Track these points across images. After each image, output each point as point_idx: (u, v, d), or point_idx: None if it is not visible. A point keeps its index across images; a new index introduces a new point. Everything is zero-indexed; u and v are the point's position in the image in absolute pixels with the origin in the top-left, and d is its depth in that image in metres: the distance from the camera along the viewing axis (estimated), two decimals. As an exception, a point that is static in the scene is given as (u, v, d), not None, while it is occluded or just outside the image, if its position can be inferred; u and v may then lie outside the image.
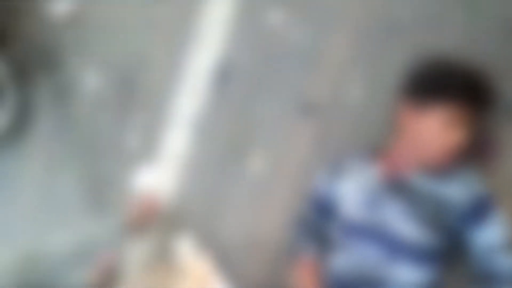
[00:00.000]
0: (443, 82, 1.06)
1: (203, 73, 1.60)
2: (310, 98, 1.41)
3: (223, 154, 1.55)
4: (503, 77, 1.12)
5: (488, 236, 1.06)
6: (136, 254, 1.56)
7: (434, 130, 1.06)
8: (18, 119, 2.02)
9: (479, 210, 1.07)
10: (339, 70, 1.37)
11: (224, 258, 1.48)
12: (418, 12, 1.23)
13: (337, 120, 1.37)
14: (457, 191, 1.09)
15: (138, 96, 1.65)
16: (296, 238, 1.29)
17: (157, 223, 1.52)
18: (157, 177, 1.66)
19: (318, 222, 1.24)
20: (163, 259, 1.56)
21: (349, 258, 1.14)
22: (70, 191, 1.84)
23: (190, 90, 1.62)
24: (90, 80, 1.76)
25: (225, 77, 1.57)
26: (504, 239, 1.05)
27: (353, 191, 1.17)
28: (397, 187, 1.12)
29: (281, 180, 1.44)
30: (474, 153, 1.15)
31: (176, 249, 1.56)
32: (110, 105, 1.73)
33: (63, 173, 1.86)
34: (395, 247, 1.09)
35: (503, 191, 1.12)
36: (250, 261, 1.46)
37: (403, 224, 1.09)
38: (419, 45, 1.16)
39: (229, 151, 1.54)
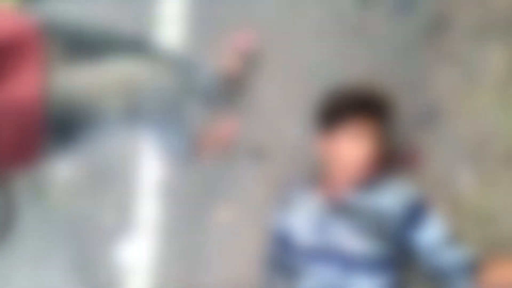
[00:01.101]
0: (342, 105, 1.21)
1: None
2: (258, 144, 1.54)
3: (194, 213, 1.66)
4: (410, 92, 1.27)
5: (428, 235, 1.16)
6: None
7: (345, 147, 1.20)
8: (4, 221, 2.12)
9: (415, 213, 1.17)
10: (275, 116, 1.51)
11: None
12: (325, 56, 1.39)
13: (282, 159, 1.50)
14: (391, 200, 1.19)
15: (108, 177, 1.78)
16: (266, 274, 1.37)
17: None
18: (136, 249, 1.75)
19: (281, 256, 1.33)
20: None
21: (312, 281, 1.22)
22: (59, 277, 1.91)
23: (152, 159, 1.76)
24: (63, 171, 1.89)
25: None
26: (444, 235, 1.14)
27: (302, 220, 1.27)
28: (338, 208, 1.23)
29: (247, 225, 1.55)
30: (399, 163, 1.27)
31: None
32: (84, 191, 1.85)
33: (52, 263, 1.94)
34: (348, 263, 1.18)
35: (433, 192, 1.23)
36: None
37: (351, 240, 1.19)
38: (328, 82, 1.31)
39: (199, 210, 1.65)
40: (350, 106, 1.21)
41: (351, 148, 1.19)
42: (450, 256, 1.13)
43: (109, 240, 1.78)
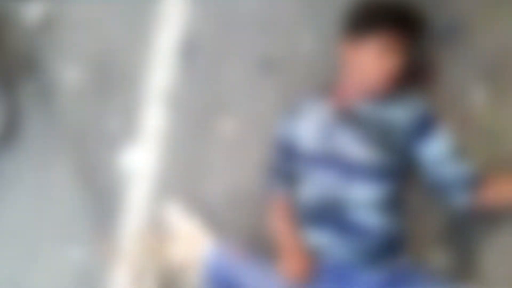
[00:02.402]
0: (375, 15, 1.18)
1: (170, 49, 1.72)
2: (268, 56, 1.52)
3: (197, 123, 1.66)
4: (433, 6, 1.23)
5: (435, 148, 1.17)
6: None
7: (371, 58, 1.18)
8: (8, 124, 2.13)
9: (423, 127, 1.19)
10: (289, 28, 1.48)
11: (211, 218, 1.59)
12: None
13: (293, 71, 1.48)
14: (401, 113, 1.20)
15: (114, 82, 1.77)
16: (268, 184, 1.39)
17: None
18: (140, 156, 1.77)
19: (285, 164, 1.35)
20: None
21: (312, 187, 1.25)
22: (64, 184, 1.94)
23: (160, 67, 1.74)
24: (69, 75, 1.88)
25: (190, 50, 1.69)
26: (450, 149, 1.16)
27: (309, 127, 1.29)
28: (347, 116, 1.24)
29: (252, 137, 1.55)
30: (414, 78, 1.26)
31: (165, 215, 1.67)
32: (90, 96, 1.85)
33: (56, 168, 1.97)
34: (350, 170, 1.20)
35: (444, 107, 1.22)
36: (234, 215, 1.56)
37: (356, 149, 1.20)
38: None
39: (202, 119, 1.65)
40: (382, 15, 1.18)
41: (377, 60, 1.18)
42: (453, 170, 1.15)
43: (114, 146, 1.79)
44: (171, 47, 1.73)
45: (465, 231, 1.22)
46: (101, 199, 1.82)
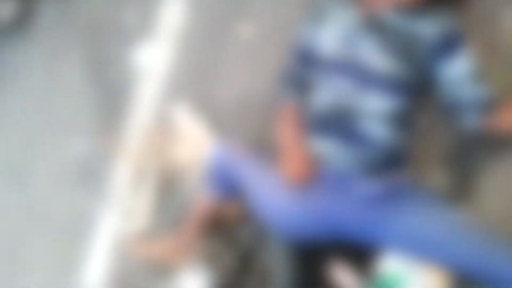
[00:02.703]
0: None
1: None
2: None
3: (216, 24, 1.63)
4: None
5: (455, 68, 1.14)
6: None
7: None
8: (22, 9, 2.10)
9: (447, 45, 1.15)
10: None
11: (219, 121, 1.60)
12: None
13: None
14: (428, 28, 1.16)
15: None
16: (281, 90, 1.37)
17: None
18: (154, 51, 1.75)
19: (301, 70, 1.32)
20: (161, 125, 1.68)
21: (325, 94, 1.22)
22: (74, 77, 1.94)
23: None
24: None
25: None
26: (470, 71, 1.13)
27: (332, 32, 1.24)
28: (373, 24, 1.19)
29: (270, 42, 1.52)
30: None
31: (173, 114, 1.68)
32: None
33: (67, 59, 1.96)
34: (367, 78, 1.17)
35: (474, 28, 1.18)
36: (243, 121, 1.57)
37: (376, 57, 1.17)
38: None
39: (221, 20, 1.61)
40: None
41: None
42: (470, 92, 1.13)
43: (127, 41, 1.77)
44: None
45: (467, 156, 1.22)
46: (110, 93, 1.82)
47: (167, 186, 1.65)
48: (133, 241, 1.61)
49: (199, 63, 1.66)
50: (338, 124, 1.19)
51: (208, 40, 1.65)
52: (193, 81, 1.67)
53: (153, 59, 1.76)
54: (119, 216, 1.69)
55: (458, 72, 1.13)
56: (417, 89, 1.18)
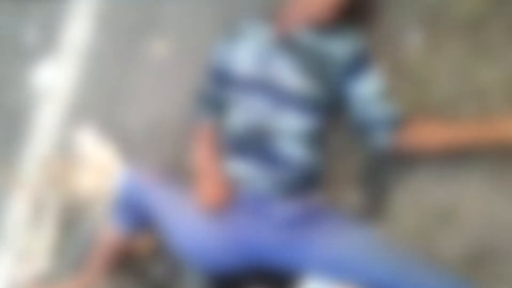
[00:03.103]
0: None
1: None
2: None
3: (126, 42, 1.54)
4: None
5: (365, 87, 1.17)
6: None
7: None
8: None
9: (357, 64, 1.18)
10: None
11: (129, 146, 1.49)
12: None
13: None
14: (339, 47, 1.19)
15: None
16: (195, 111, 1.32)
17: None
18: (57, 71, 1.62)
19: (216, 91, 1.29)
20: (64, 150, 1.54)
21: (241, 114, 1.20)
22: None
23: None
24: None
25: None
26: (379, 90, 1.16)
27: (247, 51, 1.24)
28: (285, 43, 1.20)
29: (184, 62, 1.46)
30: (356, 14, 1.25)
31: (77, 140, 1.54)
32: (6, 2, 1.66)
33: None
34: (281, 98, 1.17)
35: (379, 48, 1.23)
36: (155, 145, 1.47)
37: (289, 77, 1.17)
38: None
39: (131, 38, 1.53)
40: None
41: None
42: (379, 110, 1.16)
43: (28, 60, 1.62)
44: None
45: (380, 173, 1.23)
46: (7, 117, 1.65)
47: (70, 221, 1.50)
48: (30, 285, 1.42)
49: (107, 83, 1.55)
50: (254, 144, 1.16)
51: (116, 59, 1.55)
52: (100, 103, 1.55)
53: (56, 79, 1.62)
54: (15, 257, 1.50)
55: (367, 91, 1.16)
56: (330, 108, 1.20)
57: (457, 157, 1.13)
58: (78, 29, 1.61)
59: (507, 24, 1.15)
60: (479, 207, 1.14)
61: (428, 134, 1.12)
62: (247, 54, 1.22)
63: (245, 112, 1.19)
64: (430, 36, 1.21)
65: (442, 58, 1.19)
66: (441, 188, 1.17)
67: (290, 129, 1.16)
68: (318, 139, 1.19)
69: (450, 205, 1.16)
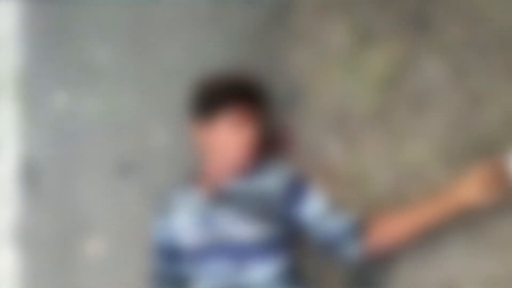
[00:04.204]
0: (219, 94, 1.19)
1: (9, 181, 1.52)
2: (123, 159, 1.43)
3: (59, 253, 1.46)
4: (270, 76, 1.30)
5: (312, 208, 1.17)
6: None
7: (225, 136, 1.18)
8: None
9: (295, 191, 1.18)
10: (140, 126, 1.43)
11: None
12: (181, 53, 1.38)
13: (154, 168, 1.41)
14: (272, 182, 1.20)
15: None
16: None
17: None
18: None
19: (170, 267, 1.23)
20: None
21: (206, 281, 1.15)
22: None
23: (1, 203, 1.52)
24: None
25: (33, 175, 1.52)
26: (325, 205, 1.16)
27: (185, 219, 1.21)
28: (220, 198, 1.19)
29: (126, 251, 1.40)
30: (273, 145, 1.28)
31: None
32: None
33: None
34: (239, 252, 1.14)
35: (306, 165, 1.25)
36: None
37: (238, 228, 1.15)
38: (195, 74, 1.28)
39: (64, 248, 1.45)
40: (227, 93, 1.19)
41: (231, 136, 1.18)
42: (335, 224, 1.15)
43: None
44: (10, 176, 1.53)
45: (368, 280, 1.20)
46: None
47: None
48: None
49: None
50: None
51: (54, 273, 1.45)
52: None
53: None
54: None
55: (316, 211, 1.16)
56: (290, 239, 1.17)
57: (434, 233, 1.12)
58: (5, 257, 1.50)
59: (407, 105, 1.22)
60: (474, 272, 1.13)
61: (391, 228, 1.12)
62: (186, 222, 1.20)
63: (209, 281, 1.15)
64: (346, 136, 1.25)
65: (364, 153, 1.23)
66: (432, 268, 1.16)
67: (262, 278, 1.12)
68: (293, 274, 1.16)
69: (449, 281, 1.14)
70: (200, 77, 1.24)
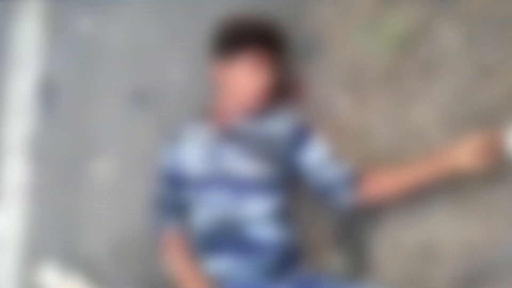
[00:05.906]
0: (241, 35, 1.24)
1: (27, 96, 1.57)
2: (140, 89, 1.48)
3: (68, 170, 1.53)
4: (291, 26, 1.33)
5: (313, 155, 1.23)
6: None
7: (243, 77, 1.23)
8: None
9: (300, 137, 1.25)
10: (158, 57, 1.47)
11: (95, 271, 1.43)
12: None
13: (167, 100, 1.46)
14: (279, 126, 1.26)
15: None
16: (157, 221, 1.31)
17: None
18: (4, 216, 1.56)
19: (173, 195, 1.30)
20: None
21: (205, 211, 1.23)
22: None
23: (17, 115, 1.58)
24: None
25: (51, 93, 1.56)
26: (326, 154, 1.23)
27: (194, 151, 1.28)
28: (229, 135, 1.26)
29: (132, 177, 1.47)
30: (286, 93, 1.33)
31: (40, 279, 1.46)
32: None
33: None
34: (240, 187, 1.21)
35: (316, 116, 1.30)
36: (123, 264, 1.43)
37: (242, 164, 1.22)
38: (218, 13, 1.31)
39: (74, 166, 1.52)
40: (249, 36, 1.23)
41: (248, 78, 1.23)
42: (333, 172, 1.21)
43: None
44: (28, 91, 1.58)
45: (355, 230, 1.27)
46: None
47: None
48: None
49: (58, 215, 1.52)
50: (226, 238, 1.18)
51: (63, 189, 1.54)
52: (56, 236, 1.51)
53: (4, 223, 1.55)
54: None
55: (316, 158, 1.23)
56: (289, 183, 1.25)
57: (422, 194, 1.18)
58: (17, 168, 1.57)
59: (419, 70, 1.27)
60: (455, 236, 1.21)
61: (384, 183, 1.19)
62: (194, 154, 1.26)
63: (209, 209, 1.21)
64: (358, 94, 1.30)
65: (371, 111, 1.28)
66: (415, 227, 1.24)
67: (257, 214, 1.18)
68: (286, 215, 1.24)
69: (429, 241, 1.22)
70: (224, 17, 1.27)
